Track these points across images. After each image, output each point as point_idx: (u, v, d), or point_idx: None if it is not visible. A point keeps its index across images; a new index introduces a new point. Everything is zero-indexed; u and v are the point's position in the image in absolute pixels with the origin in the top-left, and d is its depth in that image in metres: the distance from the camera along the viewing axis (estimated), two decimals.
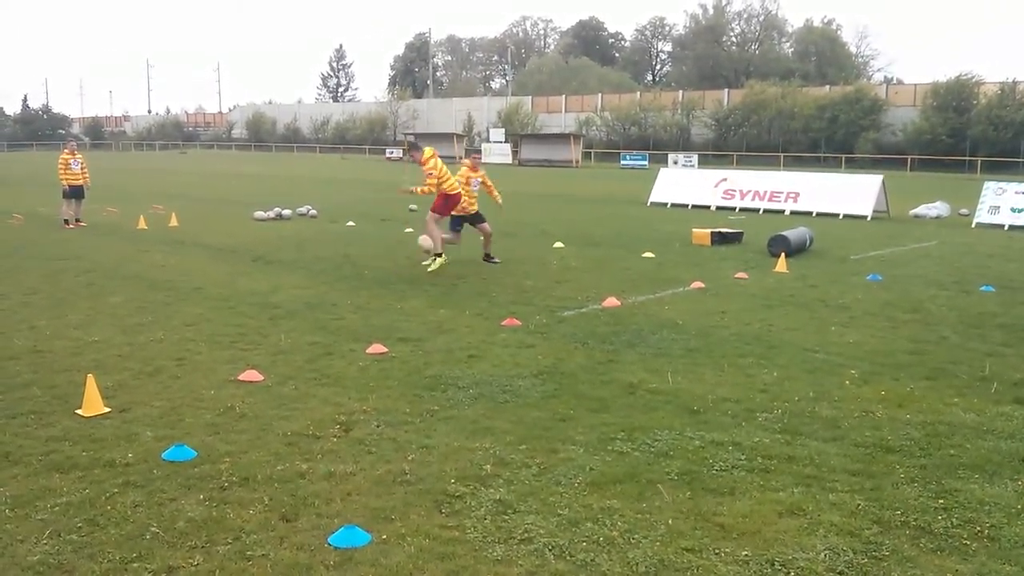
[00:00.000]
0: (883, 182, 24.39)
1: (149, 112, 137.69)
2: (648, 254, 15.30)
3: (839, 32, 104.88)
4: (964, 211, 25.15)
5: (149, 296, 10.99)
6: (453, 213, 13.61)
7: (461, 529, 4.52)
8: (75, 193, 19.67)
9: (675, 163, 60.78)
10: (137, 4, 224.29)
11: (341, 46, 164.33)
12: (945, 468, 5.45)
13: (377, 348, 8.22)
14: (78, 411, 6.35)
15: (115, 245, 16.17)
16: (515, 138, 76.06)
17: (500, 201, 14.64)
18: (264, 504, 4.80)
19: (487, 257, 14.14)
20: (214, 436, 5.88)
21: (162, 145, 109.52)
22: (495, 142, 75.97)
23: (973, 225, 22.23)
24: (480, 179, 14.12)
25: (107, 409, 6.40)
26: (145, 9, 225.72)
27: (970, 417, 6.45)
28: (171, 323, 9.42)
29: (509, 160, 71.87)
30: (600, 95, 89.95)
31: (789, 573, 4.11)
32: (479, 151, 15.36)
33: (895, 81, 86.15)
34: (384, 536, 4.43)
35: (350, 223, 20.51)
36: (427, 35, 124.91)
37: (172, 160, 71.59)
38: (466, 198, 13.73)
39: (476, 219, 14.03)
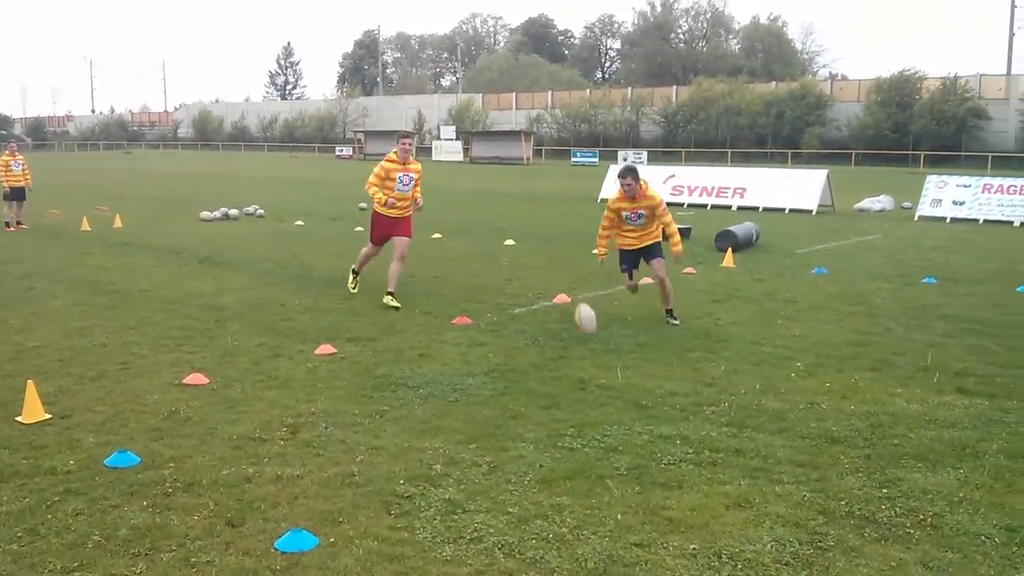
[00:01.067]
0: (828, 177, 24.78)
1: (93, 112, 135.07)
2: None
3: (785, 29, 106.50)
4: (907, 204, 25.63)
5: (92, 299, 10.78)
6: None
7: (410, 530, 4.49)
8: (17, 195, 19.22)
9: (625, 160, 61.11)
10: (80, 2, 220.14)
11: (289, 44, 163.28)
12: (889, 458, 5.54)
13: (326, 349, 8.15)
14: (18, 418, 6.20)
15: (58, 248, 15.85)
16: (466, 136, 75.96)
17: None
18: (209, 510, 4.72)
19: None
20: (158, 441, 5.78)
21: (107, 145, 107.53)
22: (446, 140, 75.81)
23: (916, 218, 22.66)
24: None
25: (48, 415, 6.26)
26: (88, 7, 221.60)
27: (913, 407, 6.57)
28: (114, 326, 9.25)
29: (460, 158, 71.76)
30: (550, 92, 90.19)
31: (736, 565, 4.15)
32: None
33: (840, 77, 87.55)
34: (332, 539, 4.38)
35: (299, 222, 20.32)
36: (376, 32, 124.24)
37: (117, 160, 70.34)
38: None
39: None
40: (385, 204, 10.39)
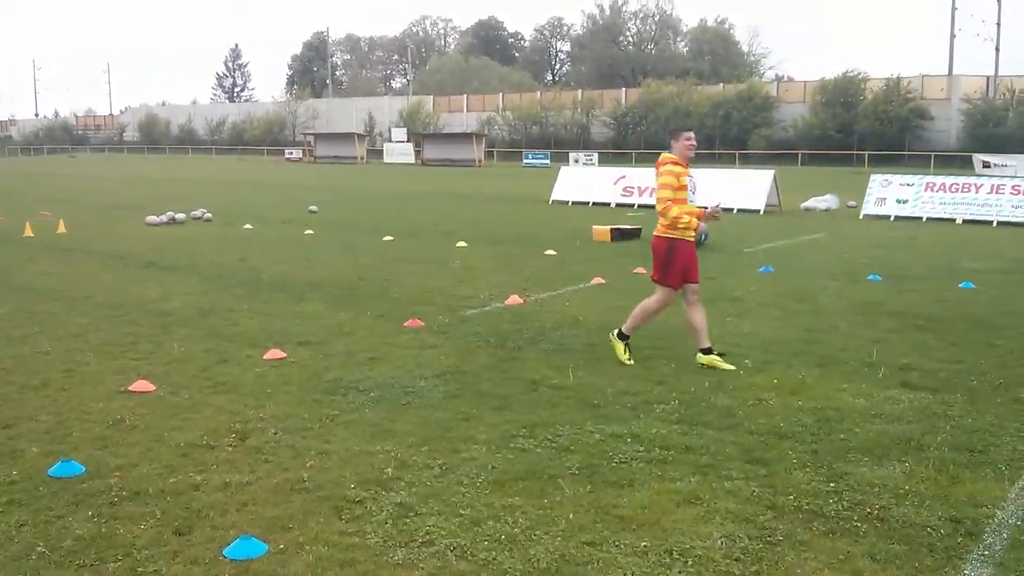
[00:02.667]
0: (775, 177, 25.12)
1: (36, 115, 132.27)
2: (550, 251, 15.41)
3: (732, 31, 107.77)
4: (852, 203, 26.06)
5: (35, 306, 10.56)
6: None
7: (361, 535, 4.46)
8: None
9: (576, 161, 61.39)
10: (21, 4, 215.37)
11: (237, 45, 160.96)
12: (836, 452, 5.62)
13: (275, 353, 8.06)
14: None
15: None
16: (417, 138, 75.74)
17: None
18: (156, 518, 4.64)
19: None
20: (103, 450, 5.67)
21: (51, 149, 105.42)
22: (397, 142, 75.54)
23: (861, 216, 23.05)
24: None
25: None
26: (30, 9, 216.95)
27: (859, 402, 6.68)
28: (58, 334, 9.06)
29: (412, 160, 71.52)
30: (501, 95, 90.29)
31: (687, 562, 4.17)
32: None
33: (785, 79, 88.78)
34: (282, 545, 4.33)
35: (248, 226, 20.09)
36: (325, 34, 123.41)
37: (61, 164, 68.98)
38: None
39: None
40: (707, 218, 8.02)
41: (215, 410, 6.49)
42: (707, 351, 7.70)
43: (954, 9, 70.64)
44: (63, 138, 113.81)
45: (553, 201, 27.63)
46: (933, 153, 57.02)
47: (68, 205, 26.44)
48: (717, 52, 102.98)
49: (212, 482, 5.13)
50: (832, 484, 5.10)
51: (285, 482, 5.12)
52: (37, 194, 32.57)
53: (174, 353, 8.22)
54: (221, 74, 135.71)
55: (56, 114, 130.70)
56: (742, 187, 25.29)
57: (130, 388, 7.01)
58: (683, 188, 7.75)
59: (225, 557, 4.21)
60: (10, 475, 5.24)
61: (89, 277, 12.80)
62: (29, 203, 27.25)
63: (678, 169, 7.72)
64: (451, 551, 4.28)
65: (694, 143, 7.95)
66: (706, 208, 7.98)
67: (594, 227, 17.80)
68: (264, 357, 7.99)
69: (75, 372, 7.58)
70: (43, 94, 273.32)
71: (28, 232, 18.39)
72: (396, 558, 4.21)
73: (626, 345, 7.91)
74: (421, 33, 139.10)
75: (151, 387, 7.03)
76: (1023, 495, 4.97)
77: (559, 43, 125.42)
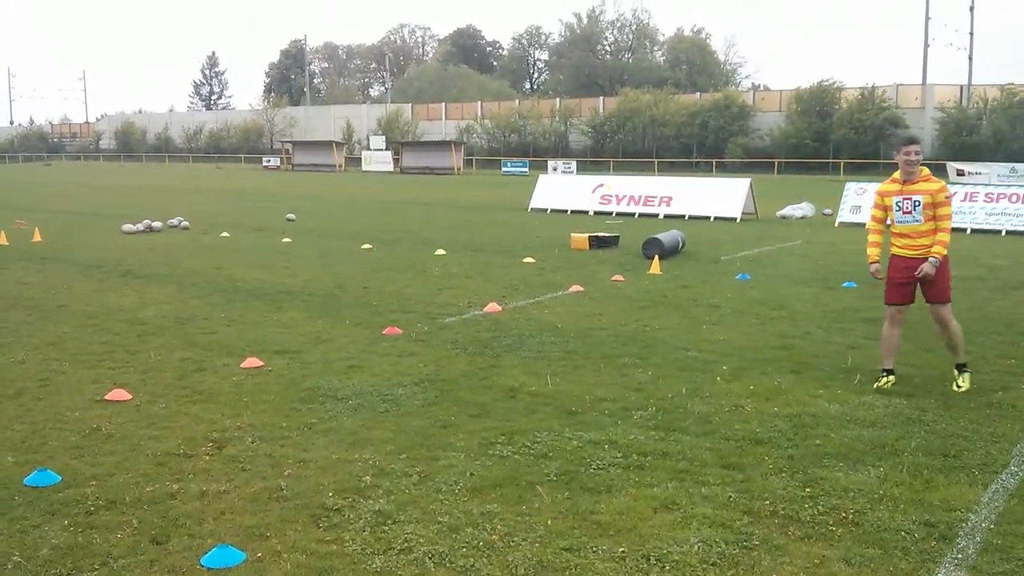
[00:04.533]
0: (751, 185, 25.29)
1: (11, 123, 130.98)
2: (529, 259, 15.44)
3: (708, 40, 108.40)
4: (828, 211, 26.27)
5: (9, 315, 10.46)
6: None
7: (339, 543, 4.45)
8: None
9: (554, 170, 61.52)
10: None
11: (214, 53, 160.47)
12: (811, 458, 5.67)
13: (252, 362, 8.03)
14: None
15: None
16: (396, 146, 75.62)
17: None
18: (133, 527, 4.62)
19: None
20: (79, 459, 5.63)
21: (26, 157, 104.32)
22: (376, 150, 75.34)
23: (836, 224, 23.24)
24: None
25: None
26: (4, 16, 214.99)
27: (834, 408, 6.74)
28: (33, 342, 8.99)
29: (391, 168, 71.40)
30: (480, 103, 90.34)
31: (664, 567, 4.20)
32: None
33: (762, 87, 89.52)
34: (259, 554, 4.32)
35: (224, 234, 20.00)
36: (303, 42, 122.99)
37: (36, 173, 68.34)
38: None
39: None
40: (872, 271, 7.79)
41: (192, 419, 6.46)
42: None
43: (927, 19, 71.54)
44: (38, 146, 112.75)
45: (531, 209, 27.69)
46: None
47: (43, 213, 26.21)
48: (694, 61, 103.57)
49: (189, 491, 5.10)
50: (807, 489, 5.15)
51: (263, 491, 5.11)
52: (12, 202, 32.26)
53: (150, 362, 8.17)
54: (198, 82, 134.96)
55: (31, 122, 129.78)
56: (719, 195, 25.45)
57: (106, 397, 6.97)
58: (886, 209, 7.45)
59: (203, 566, 4.20)
60: None
61: (65, 286, 12.70)
62: (4, 212, 26.98)
63: (884, 188, 7.42)
64: (429, 558, 4.28)
65: (911, 157, 7.20)
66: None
67: (572, 235, 17.85)
68: (241, 366, 7.96)
69: (50, 381, 7.52)
70: (18, 102, 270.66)
71: (3, 241, 18.21)
72: (374, 566, 4.21)
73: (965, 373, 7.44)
74: (399, 41, 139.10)
75: (127, 396, 6.99)
76: (996, 499, 5.03)
77: (537, 52, 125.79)
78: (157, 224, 21.17)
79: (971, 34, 68.21)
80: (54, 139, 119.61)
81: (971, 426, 6.33)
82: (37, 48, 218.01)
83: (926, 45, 71.77)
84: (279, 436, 6.08)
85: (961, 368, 7.43)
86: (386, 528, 4.61)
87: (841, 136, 63.81)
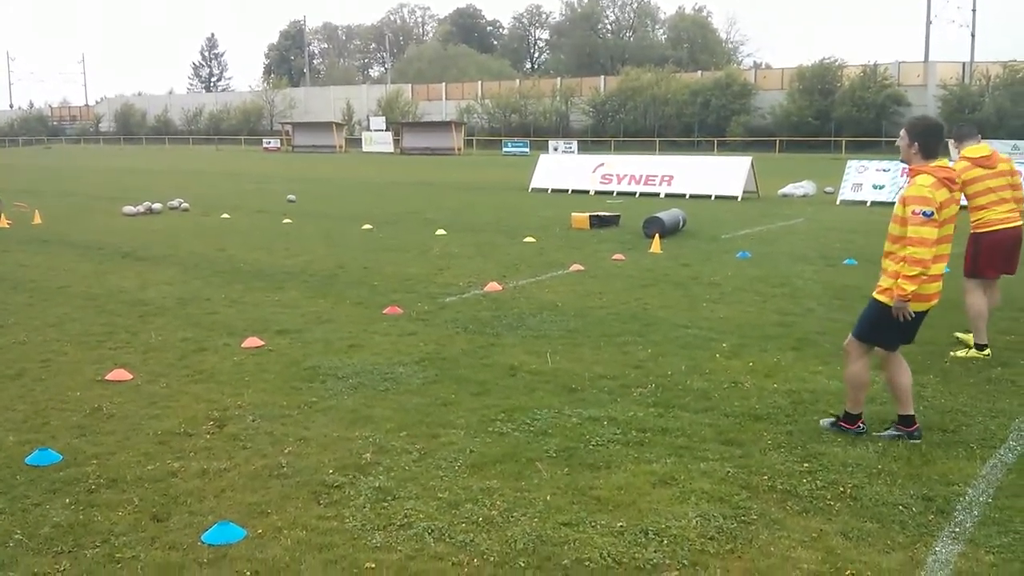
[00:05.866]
0: (752, 163, 25.21)
1: (11, 107, 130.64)
2: (529, 239, 15.43)
3: (710, 19, 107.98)
4: (829, 189, 26.21)
5: (11, 297, 10.48)
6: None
7: (340, 519, 4.48)
8: None
9: (555, 149, 61.29)
10: None
11: (213, 35, 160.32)
12: (810, 433, 5.69)
13: (253, 342, 8.04)
14: None
15: None
16: (396, 126, 75.41)
17: None
18: (134, 505, 4.65)
19: None
20: (80, 438, 5.66)
21: (25, 141, 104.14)
22: (376, 131, 75.13)
23: (838, 202, 23.19)
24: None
25: None
26: None
27: (834, 384, 6.74)
28: (34, 324, 9.00)
29: (391, 149, 71.25)
30: (480, 83, 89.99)
31: (663, 541, 4.22)
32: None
33: (763, 66, 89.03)
34: (260, 531, 4.35)
35: (224, 215, 19.99)
36: (302, 22, 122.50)
37: (36, 156, 68.26)
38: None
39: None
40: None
41: (193, 398, 6.48)
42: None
43: None
44: (38, 129, 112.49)
45: (532, 189, 27.64)
46: None
47: (44, 196, 26.19)
48: (695, 40, 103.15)
49: (190, 469, 5.13)
50: (806, 464, 5.17)
51: (263, 468, 5.14)
52: (12, 185, 32.22)
53: (152, 342, 8.19)
54: (197, 63, 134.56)
55: (31, 105, 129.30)
56: (720, 174, 25.37)
57: (107, 377, 6.99)
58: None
59: (203, 542, 4.23)
60: None
61: (66, 268, 12.71)
62: (4, 194, 26.96)
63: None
64: (429, 534, 4.31)
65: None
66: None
67: (573, 214, 17.83)
68: (242, 345, 7.97)
69: (52, 362, 7.54)
70: (17, 85, 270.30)
71: (3, 223, 18.20)
72: (374, 541, 4.24)
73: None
74: (399, 21, 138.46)
75: (128, 376, 7.01)
76: (994, 473, 5.06)
77: (538, 31, 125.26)
78: (157, 206, 21.16)
79: (973, 11, 67.69)
80: (54, 122, 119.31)
81: (970, 401, 6.35)
82: (36, 31, 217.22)
83: (928, 22, 71.29)
84: (280, 415, 6.10)
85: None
86: (386, 504, 4.64)
87: (843, 114, 63.53)
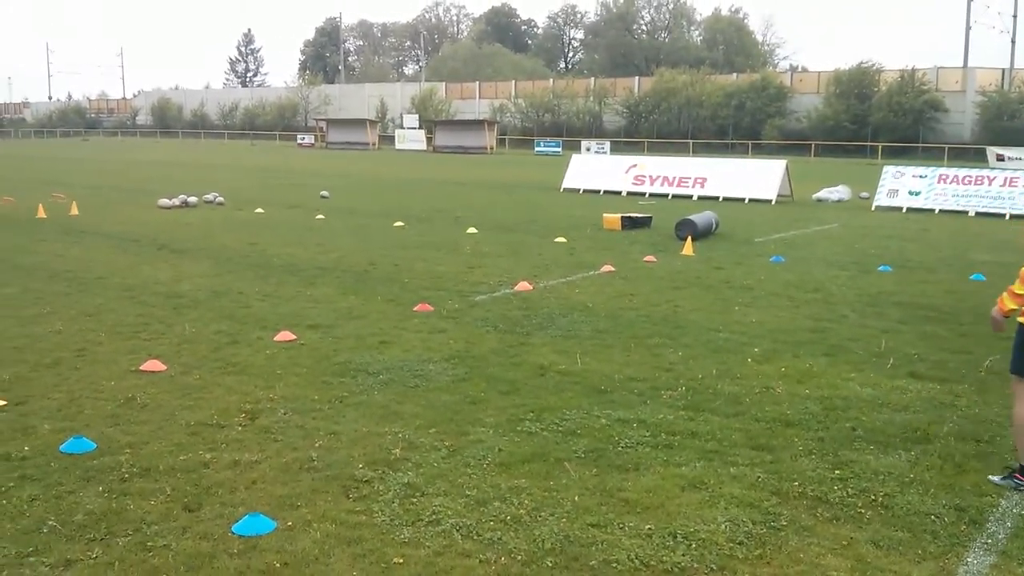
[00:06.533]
0: (787, 167, 25.05)
1: (50, 99, 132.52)
2: (560, 239, 15.42)
3: (746, 21, 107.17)
4: (864, 194, 25.98)
5: (48, 287, 10.63)
6: None
7: (368, 513, 4.51)
8: None
9: (588, 150, 61.20)
10: None
11: (250, 31, 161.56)
12: (841, 440, 5.64)
13: (285, 336, 8.11)
14: None
15: (11, 235, 15.57)
16: (429, 124, 75.62)
17: None
18: (166, 495, 4.70)
19: None
20: (114, 427, 5.73)
21: (64, 132, 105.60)
22: (409, 128, 75.42)
23: (873, 208, 22.97)
24: None
25: (2, 402, 6.18)
26: None
27: (866, 391, 6.69)
28: (70, 313, 9.13)
29: (424, 147, 71.47)
30: (514, 82, 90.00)
31: (691, 544, 4.21)
32: None
33: (800, 69, 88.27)
34: (290, 523, 4.38)
35: (259, 210, 20.15)
36: (338, 20, 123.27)
37: (74, 148, 69.20)
38: None
39: None
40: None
41: (225, 390, 6.54)
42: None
43: (970, 1, 70.13)
44: (76, 121, 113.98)
45: (564, 189, 27.61)
46: (947, 145, 56.65)
47: (81, 188, 26.55)
48: (731, 42, 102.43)
49: (222, 460, 5.18)
50: (837, 471, 5.12)
51: (294, 461, 5.17)
52: (50, 176, 32.71)
53: (185, 334, 8.28)
54: (234, 59, 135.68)
55: (69, 97, 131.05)
56: (754, 177, 25.23)
57: (141, 368, 7.08)
58: None
59: (234, 533, 4.26)
60: (22, 451, 5.31)
61: (102, 259, 12.88)
62: (42, 185, 27.37)
63: None
64: (457, 531, 4.32)
65: None
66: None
67: (605, 215, 17.79)
68: (274, 339, 8.04)
69: (87, 351, 7.64)
70: (56, 77, 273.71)
71: (41, 214, 18.48)
72: (402, 536, 4.26)
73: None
74: (434, 19, 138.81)
75: (162, 367, 7.09)
76: None
77: (572, 31, 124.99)
78: (193, 199, 21.37)
79: (1014, 16, 66.82)
80: (91, 114, 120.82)
81: (1005, 412, 6.24)
82: (75, 24, 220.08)
83: (968, 27, 70.50)
84: (311, 408, 6.14)
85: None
86: (415, 500, 4.65)
87: (880, 119, 62.89)
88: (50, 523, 4.37)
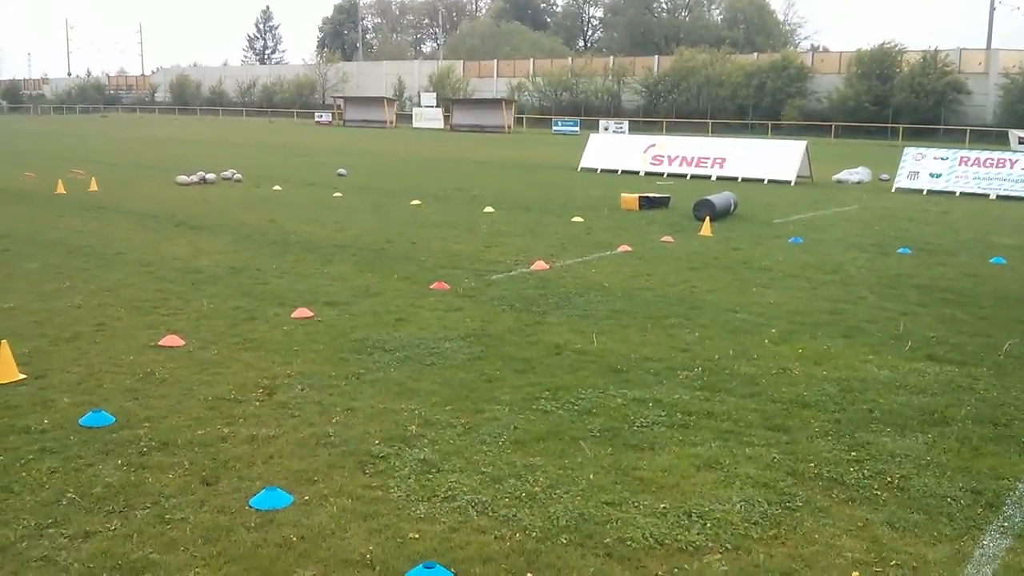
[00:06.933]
0: (807, 148, 24.85)
1: (69, 75, 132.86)
2: (577, 218, 15.38)
3: (767, 0, 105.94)
4: (885, 176, 25.75)
5: (67, 262, 10.70)
6: None
7: (384, 489, 4.53)
8: None
9: (606, 129, 60.96)
10: None
11: (268, 8, 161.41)
12: (858, 422, 5.63)
13: (302, 312, 8.14)
14: None
15: (32, 210, 15.67)
16: (447, 103, 75.42)
17: None
18: (184, 468, 4.74)
19: None
20: (133, 401, 5.78)
21: (83, 109, 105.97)
22: (427, 107, 75.24)
23: (893, 190, 22.78)
24: None
25: (22, 376, 6.24)
26: None
27: (884, 373, 6.66)
28: (90, 288, 9.19)
29: (441, 125, 71.32)
30: (532, 60, 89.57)
31: (706, 524, 4.21)
32: None
33: (821, 49, 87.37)
34: (306, 497, 4.42)
35: (276, 187, 20.19)
36: None
37: (93, 124, 69.46)
38: None
39: None
40: None
41: (243, 366, 6.59)
42: None
43: None
44: (95, 98, 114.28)
45: (582, 168, 27.51)
46: (969, 128, 56.04)
47: (100, 164, 26.66)
48: (752, 21, 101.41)
49: (239, 435, 5.22)
50: (853, 453, 5.12)
51: (311, 436, 5.21)
52: (69, 153, 32.86)
53: (203, 310, 8.32)
54: (252, 36, 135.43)
55: (88, 74, 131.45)
56: (773, 158, 25.05)
57: (160, 343, 7.12)
58: None
59: (251, 507, 4.30)
60: (42, 424, 5.37)
61: (120, 234, 12.95)
62: (61, 161, 27.50)
63: None
64: (472, 507, 4.34)
65: None
66: None
67: (622, 195, 17.73)
68: (292, 316, 8.08)
69: (106, 326, 7.70)
70: (76, 54, 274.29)
71: (60, 190, 18.58)
72: (418, 512, 4.28)
73: None
74: None
75: (181, 342, 7.14)
76: None
77: (591, 9, 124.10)
78: (211, 176, 21.43)
79: None
80: (110, 91, 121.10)
81: (1023, 396, 6.23)
82: (95, 1, 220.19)
83: (992, 8, 69.67)
84: (328, 384, 6.18)
85: None
86: (430, 476, 4.68)
87: (901, 100, 62.26)
88: (69, 495, 4.42)
